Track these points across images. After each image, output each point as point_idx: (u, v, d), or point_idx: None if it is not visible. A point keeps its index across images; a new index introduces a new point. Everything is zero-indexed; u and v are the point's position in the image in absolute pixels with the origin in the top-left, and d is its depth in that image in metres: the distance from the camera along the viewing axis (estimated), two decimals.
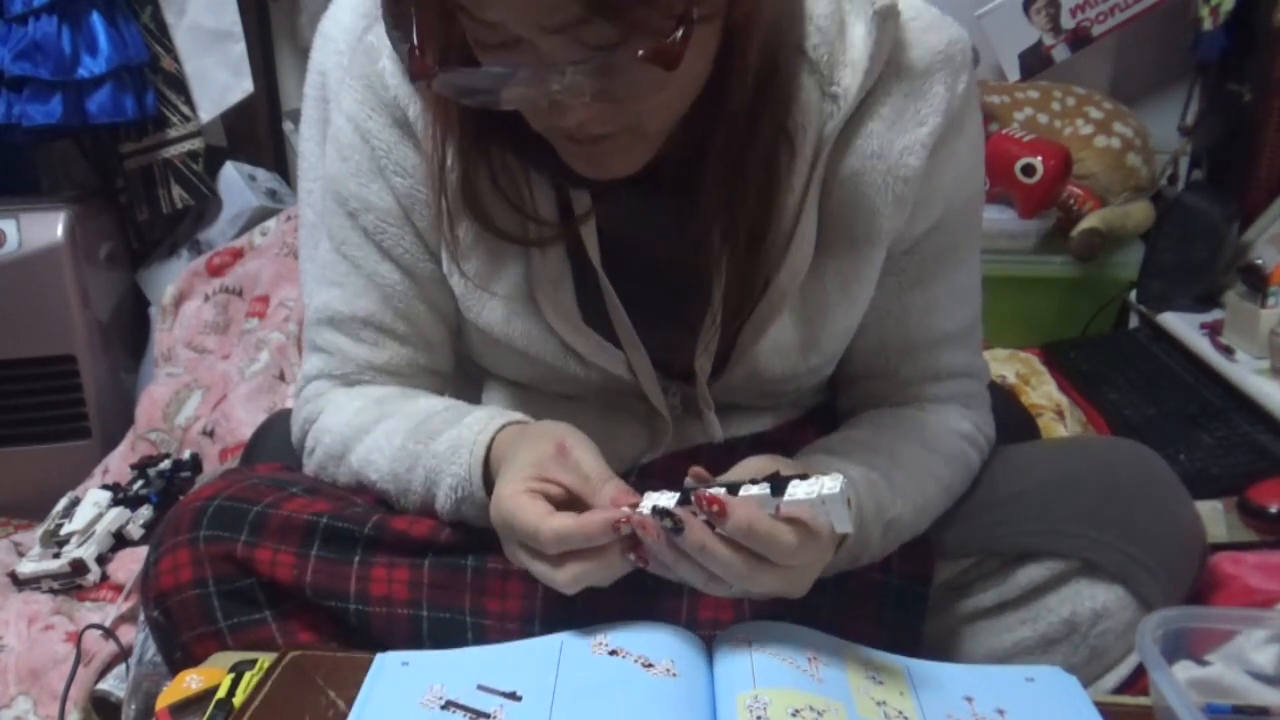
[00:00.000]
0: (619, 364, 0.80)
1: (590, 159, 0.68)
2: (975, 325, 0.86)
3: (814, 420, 0.89)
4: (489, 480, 0.72)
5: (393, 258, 0.80)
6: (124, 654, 1.31)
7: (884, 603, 0.78)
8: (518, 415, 0.76)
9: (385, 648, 0.71)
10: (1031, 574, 0.79)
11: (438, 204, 0.76)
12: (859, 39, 0.72)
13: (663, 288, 0.79)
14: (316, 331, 0.84)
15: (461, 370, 0.93)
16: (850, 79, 0.72)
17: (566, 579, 0.64)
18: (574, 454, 0.67)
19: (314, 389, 0.84)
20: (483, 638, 0.74)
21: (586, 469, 0.67)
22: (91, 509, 1.61)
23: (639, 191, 0.74)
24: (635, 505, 0.64)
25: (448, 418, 0.76)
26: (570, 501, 0.66)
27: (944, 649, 0.81)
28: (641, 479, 0.82)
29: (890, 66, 0.73)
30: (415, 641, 0.74)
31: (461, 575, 0.75)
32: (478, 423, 0.74)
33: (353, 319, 0.82)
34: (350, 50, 0.79)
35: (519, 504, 0.64)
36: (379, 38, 0.76)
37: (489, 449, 0.72)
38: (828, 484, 0.61)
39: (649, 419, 0.84)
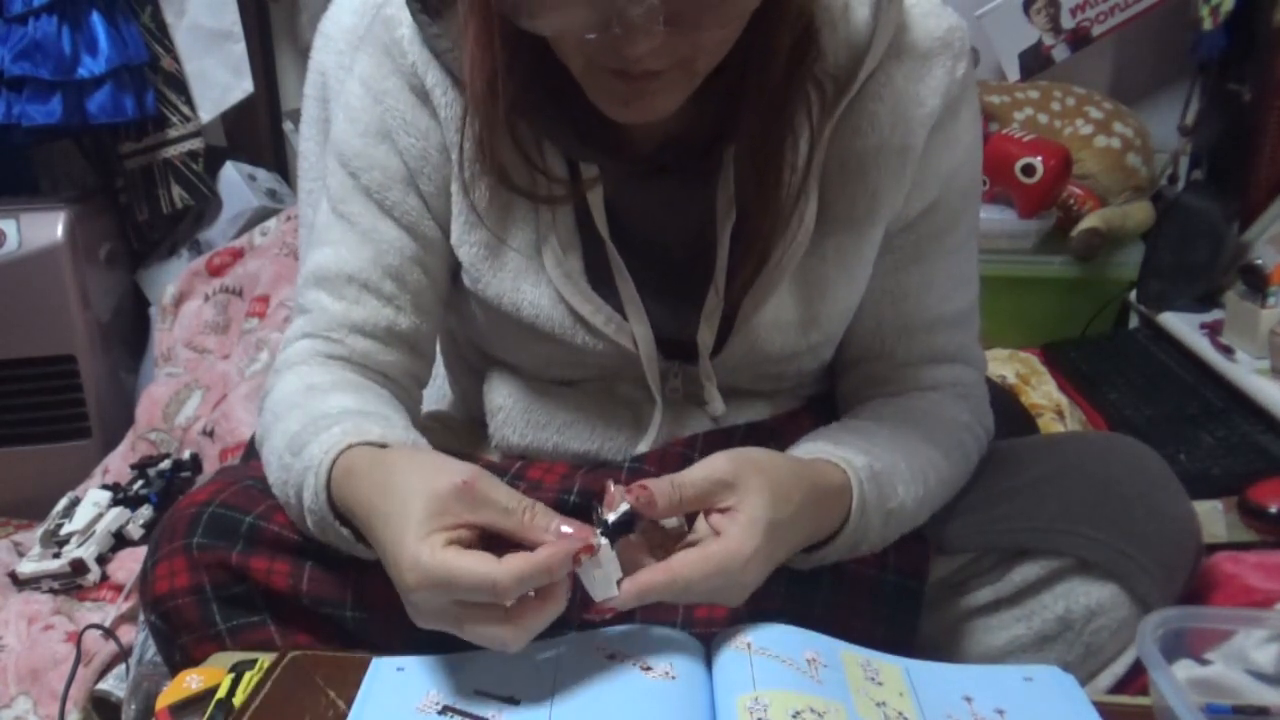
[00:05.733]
0: (624, 334, 0.80)
1: (632, 99, 0.67)
2: (972, 312, 0.87)
3: (810, 410, 0.89)
4: (335, 503, 0.69)
5: (393, 216, 0.80)
6: (124, 654, 1.31)
7: (879, 599, 0.78)
8: (376, 432, 0.70)
9: (384, 651, 0.71)
10: (1026, 572, 0.79)
11: (460, 164, 0.77)
12: (862, 22, 0.74)
13: (667, 265, 0.80)
14: (302, 293, 0.83)
15: (463, 361, 0.94)
16: (853, 61, 0.73)
17: (518, 635, 0.60)
18: (480, 487, 0.62)
19: (283, 359, 0.82)
20: None
21: (505, 501, 0.62)
22: (91, 509, 1.61)
23: (646, 171, 0.76)
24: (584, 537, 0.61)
25: (320, 427, 0.72)
26: (473, 544, 0.61)
27: (940, 647, 0.81)
28: (636, 463, 0.82)
29: (891, 49, 0.75)
30: (414, 646, 0.74)
31: None
32: (330, 439, 0.70)
33: (338, 275, 0.80)
34: (350, 43, 0.79)
35: (449, 558, 0.58)
36: (398, 9, 0.77)
37: (331, 471, 0.68)
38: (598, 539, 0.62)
39: (643, 408, 0.84)
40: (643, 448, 0.83)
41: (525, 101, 0.73)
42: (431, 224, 0.81)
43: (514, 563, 0.58)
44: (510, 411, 0.86)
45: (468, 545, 0.61)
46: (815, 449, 0.75)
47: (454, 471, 0.63)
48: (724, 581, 0.63)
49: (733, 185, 0.76)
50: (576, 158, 0.77)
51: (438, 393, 1.03)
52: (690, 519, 0.69)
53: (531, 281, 0.79)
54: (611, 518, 0.63)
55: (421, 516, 0.61)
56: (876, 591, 0.78)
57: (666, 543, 0.68)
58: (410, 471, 0.64)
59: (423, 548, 0.59)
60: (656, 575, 0.62)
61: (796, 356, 0.82)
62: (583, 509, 0.75)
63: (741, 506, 0.65)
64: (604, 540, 0.62)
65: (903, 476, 0.75)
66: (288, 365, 0.81)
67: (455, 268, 0.83)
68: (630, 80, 0.65)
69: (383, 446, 0.70)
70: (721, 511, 0.65)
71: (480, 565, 0.58)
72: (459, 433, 0.95)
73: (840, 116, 0.75)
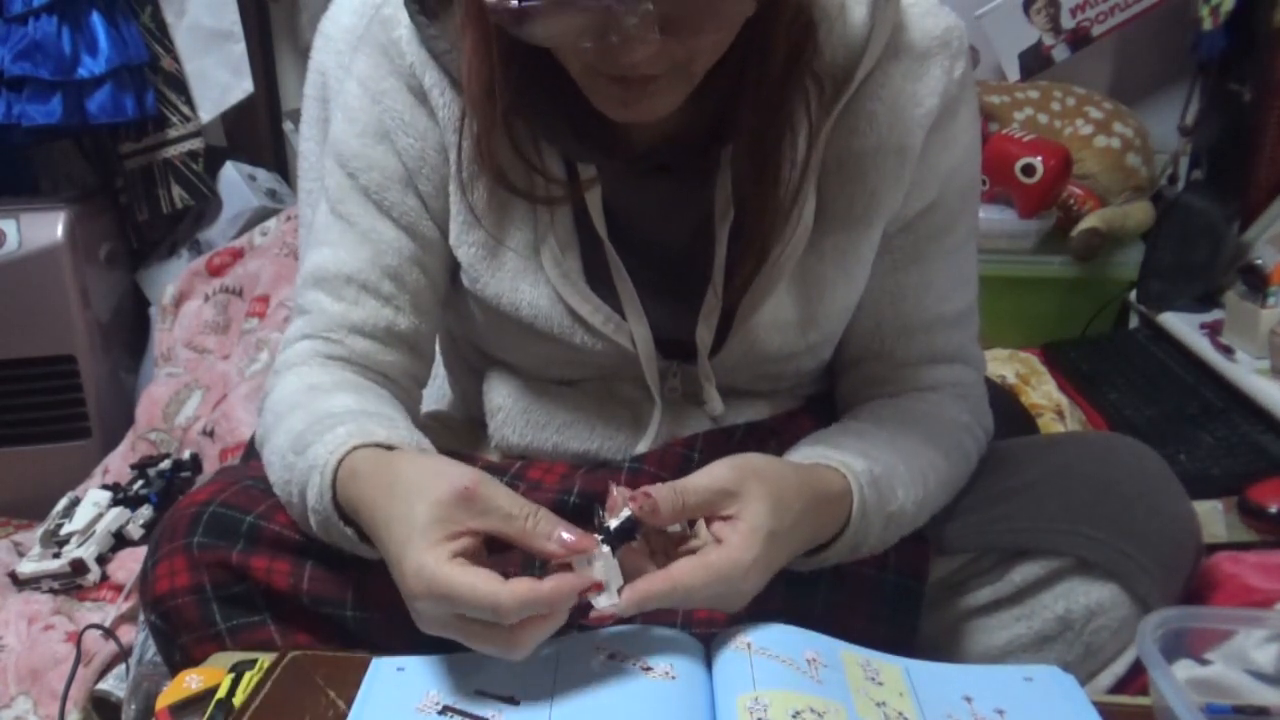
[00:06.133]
0: (623, 334, 0.80)
1: (629, 101, 0.67)
2: (971, 312, 0.87)
3: (810, 410, 0.89)
4: (340, 503, 0.69)
5: (391, 217, 0.80)
6: (124, 654, 1.31)
7: (879, 599, 0.78)
8: (381, 434, 0.70)
9: (385, 651, 0.71)
10: (1026, 571, 0.79)
11: (458, 165, 0.77)
12: (859, 20, 0.74)
13: (665, 264, 0.80)
14: (301, 294, 0.83)
15: (462, 361, 0.94)
16: (850, 59, 0.74)
17: (520, 650, 0.60)
18: (482, 493, 0.62)
19: (283, 360, 0.82)
20: None
21: (507, 507, 0.62)
22: (91, 509, 1.61)
23: (644, 170, 0.77)
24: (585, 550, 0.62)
25: (324, 426, 0.71)
26: (477, 550, 0.62)
27: (940, 647, 0.81)
28: (636, 463, 0.82)
29: (889, 48, 0.75)
30: (414, 646, 0.74)
31: None
32: (335, 439, 0.69)
33: (337, 276, 0.80)
34: (349, 43, 0.80)
35: (453, 574, 0.59)
36: (396, 9, 0.78)
37: (336, 472, 0.68)
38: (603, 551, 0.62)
39: (642, 407, 0.84)
40: (642, 447, 0.83)
41: (522, 104, 0.73)
42: (430, 224, 0.81)
43: (519, 588, 0.58)
44: (510, 412, 0.86)
45: (473, 553, 0.61)
46: (815, 453, 0.75)
47: (457, 477, 0.63)
48: (724, 589, 0.64)
49: (730, 184, 0.76)
50: (574, 158, 0.77)
51: (437, 392, 1.03)
52: (691, 521, 0.69)
53: (530, 281, 0.79)
54: (614, 524, 0.63)
55: (425, 523, 0.61)
56: (877, 591, 0.78)
57: (668, 547, 0.68)
58: (414, 475, 0.64)
59: (427, 558, 0.59)
60: (656, 583, 0.62)
61: (795, 356, 0.82)
62: (583, 510, 0.75)
63: (743, 515, 0.65)
64: (605, 549, 0.62)
65: (902, 479, 0.75)
66: (287, 366, 0.81)
67: (454, 268, 0.83)
68: (628, 85, 0.66)
69: (388, 448, 0.70)
70: (723, 519, 0.65)
71: (484, 585, 0.58)
72: (458, 432, 0.95)
73: (838, 116, 0.75)
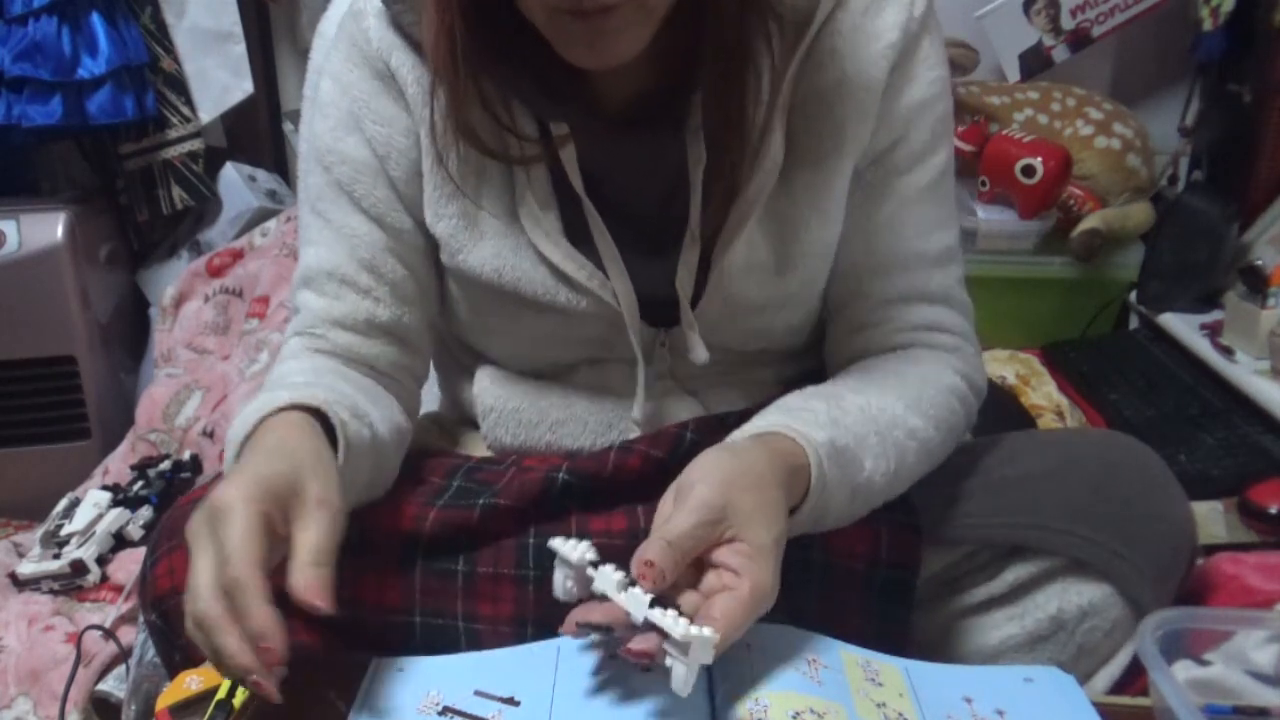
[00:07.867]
0: (606, 290, 0.80)
1: (592, 40, 0.67)
2: (953, 254, 0.85)
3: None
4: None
5: (363, 209, 0.81)
6: (124, 655, 1.31)
7: (870, 592, 0.78)
8: (315, 397, 0.71)
9: (381, 652, 0.71)
10: (1019, 571, 0.79)
11: (431, 137, 0.78)
12: None
13: (642, 220, 0.80)
14: (294, 295, 0.85)
15: (454, 361, 0.94)
16: (811, 2, 0.75)
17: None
18: (312, 516, 0.63)
19: (278, 358, 0.84)
20: (476, 642, 0.74)
21: (309, 538, 0.63)
22: (91, 510, 1.61)
23: (617, 127, 0.77)
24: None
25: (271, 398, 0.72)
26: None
27: (933, 646, 0.81)
28: (623, 453, 0.81)
29: None
30: (409, 647, 0.74)
31: (453, 580, 0.75)
32: (259, 402, 0.71)
33: (319, 273, 0.82)
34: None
35: (241, 516, 0.60)
36: (365, 1, 0.79)
37: (255, 427, 0.70)
38: (696, 632, 0.59)
39: (632, 401, 0.84)
40: (635, 412, 0.83)
41: (488, 59, 0.73)
42: (402, 213, 0.81)
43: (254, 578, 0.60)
44: (501, 413, 0.86)
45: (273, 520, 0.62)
46: (778, 421, 0.72)
47: (312, 485, 0.64)
48: (761, 609, 0.62)
49: (702, 130, 0.76)
50: (546, 117, 0.77)
51: (432, 393, 1.03)
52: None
53: (511, 246, 0.80)
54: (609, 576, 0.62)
55: (254, 476, 0.63)
56: (867, 585, 0.78)
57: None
58: (291, 452, 0.66)
59: (232, 493, 0.61)
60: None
61: (776, 306, 0.82)
62: (572, 487, 0.77)
63: (745, 537, 0.63)
64: (603, 568, 0.61)
65: (872, 449, 0.73)
66: (280, 361, 0.82)
67: (434, 255, 0.83)
68: (587, 19, 0.65)
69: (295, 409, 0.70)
70: (723, 544, 0.64)
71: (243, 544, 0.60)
72: (452, 432, 0.96)
73: (803, 52, 0.76)
